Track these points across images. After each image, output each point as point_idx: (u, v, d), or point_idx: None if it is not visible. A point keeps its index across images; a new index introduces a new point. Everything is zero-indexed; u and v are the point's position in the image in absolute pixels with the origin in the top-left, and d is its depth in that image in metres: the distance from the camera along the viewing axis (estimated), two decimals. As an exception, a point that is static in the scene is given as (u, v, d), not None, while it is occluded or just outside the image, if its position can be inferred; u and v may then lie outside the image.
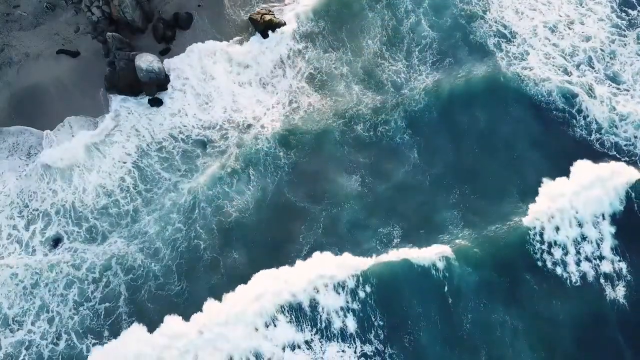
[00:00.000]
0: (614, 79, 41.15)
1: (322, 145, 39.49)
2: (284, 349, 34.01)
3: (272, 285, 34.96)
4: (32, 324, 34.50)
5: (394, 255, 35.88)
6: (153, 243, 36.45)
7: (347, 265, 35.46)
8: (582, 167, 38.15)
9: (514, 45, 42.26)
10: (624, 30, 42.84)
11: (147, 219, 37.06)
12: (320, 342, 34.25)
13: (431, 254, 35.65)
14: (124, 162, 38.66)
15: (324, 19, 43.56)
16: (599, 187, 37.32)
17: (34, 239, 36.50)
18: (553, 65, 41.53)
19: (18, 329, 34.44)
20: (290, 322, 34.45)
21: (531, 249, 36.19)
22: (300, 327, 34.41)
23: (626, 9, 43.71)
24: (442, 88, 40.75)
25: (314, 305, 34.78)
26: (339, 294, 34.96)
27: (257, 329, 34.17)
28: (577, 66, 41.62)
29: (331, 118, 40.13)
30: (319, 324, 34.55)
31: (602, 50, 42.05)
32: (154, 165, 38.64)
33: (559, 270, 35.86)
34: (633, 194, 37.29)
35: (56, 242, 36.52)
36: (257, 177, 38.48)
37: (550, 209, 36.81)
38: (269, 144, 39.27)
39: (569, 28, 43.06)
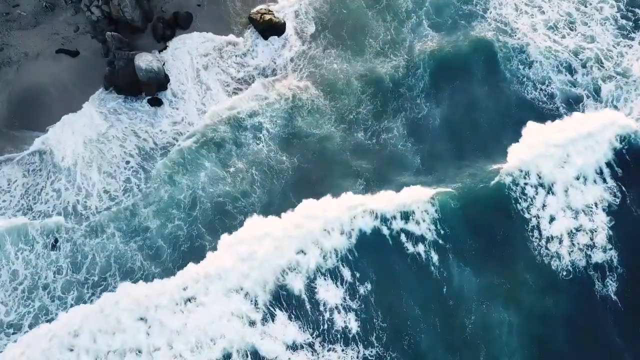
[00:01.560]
0: (623, 74, 41.27)
1: (326, 147, 39.21)
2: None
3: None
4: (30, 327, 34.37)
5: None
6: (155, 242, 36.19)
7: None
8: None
9: (513, 40, 42.46)
10: (630, 32, 42.76)
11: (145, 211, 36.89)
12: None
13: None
14: (127, 162, 38.43)
15: (324, 18, 43.50)
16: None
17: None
18: (555, 59, 41.68)
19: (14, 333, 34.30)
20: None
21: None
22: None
23: (633, 9, 43.72)
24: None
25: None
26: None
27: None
28: (583, 65, 41.72)
29: (333, 120, 40.00)
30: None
31: (608, 50, 42.00)
32: (151, 164, 38.36)
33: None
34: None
35: (56, 240, 36.31)
36: (261, 178, 38.13)
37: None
38: (269, 147, 38.97)
39: (571, 29, 43.03)
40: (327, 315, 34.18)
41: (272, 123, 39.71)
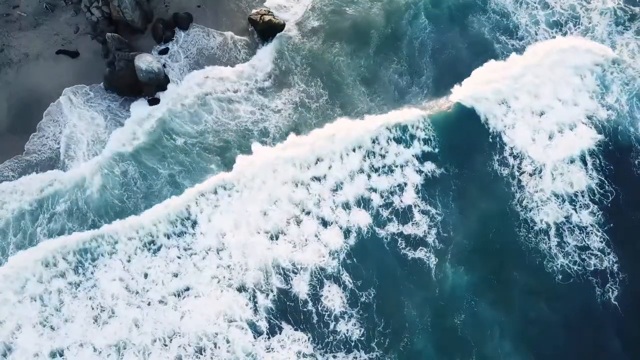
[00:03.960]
0: None
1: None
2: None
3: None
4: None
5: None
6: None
7: None
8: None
9: (513, 38, 42.79)
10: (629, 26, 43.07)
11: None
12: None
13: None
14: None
15: (324, 17, 43.44)
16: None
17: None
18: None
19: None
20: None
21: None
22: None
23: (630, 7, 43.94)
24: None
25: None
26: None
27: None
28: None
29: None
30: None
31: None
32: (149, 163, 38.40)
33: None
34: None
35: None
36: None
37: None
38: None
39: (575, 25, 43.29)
40: (319, 305, 34.24)
41: (276, 128, 39.63)
